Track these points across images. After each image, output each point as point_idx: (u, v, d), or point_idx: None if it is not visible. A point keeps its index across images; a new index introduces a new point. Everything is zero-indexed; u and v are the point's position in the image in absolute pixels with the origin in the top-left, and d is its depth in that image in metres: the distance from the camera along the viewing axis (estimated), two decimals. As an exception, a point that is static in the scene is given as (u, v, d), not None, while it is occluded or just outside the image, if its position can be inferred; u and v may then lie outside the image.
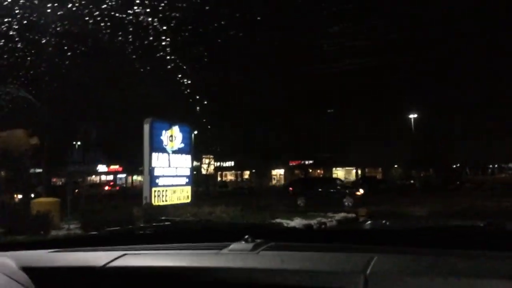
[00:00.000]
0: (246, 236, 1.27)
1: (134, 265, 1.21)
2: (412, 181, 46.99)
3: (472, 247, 1.11)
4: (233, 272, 1.09)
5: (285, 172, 63.41)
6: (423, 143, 47.43)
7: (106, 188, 51.49)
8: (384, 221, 1.55)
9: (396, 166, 58.50)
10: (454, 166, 51.79)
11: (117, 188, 49.71)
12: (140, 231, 1.75)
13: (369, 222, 1.62)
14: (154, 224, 1.88)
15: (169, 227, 1.75)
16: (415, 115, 49.88)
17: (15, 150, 16.85)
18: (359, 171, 62.53)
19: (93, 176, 62.77)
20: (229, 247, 1.23)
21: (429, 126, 49.01)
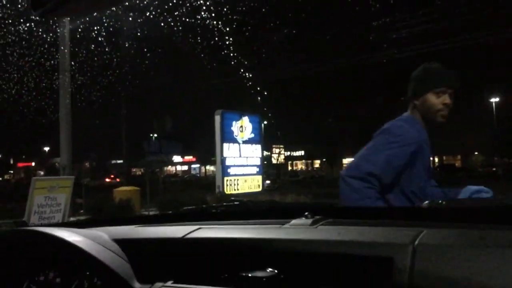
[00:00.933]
0: (306, 213, 1.40)
1: (208, 236, 1.39)
2: (494, 169, 44.33)
3: None
4: (293, 243, 1.22)
5: (356, 161, 62.36)
6: (506, 127, 44.43)
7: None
8: (440, 201, 1.60)
9: (476, 153, 55.48)
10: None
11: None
12: (213, 210, 1.95)
13: (426, 202, 1.65)
14: (224, 203, 2.06)
15: (238, 206, 1.92)
16: (497, 99, 46.82)
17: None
18: (436, 159, 60.07)
19: (169, 166, 65.75)
20: (290, 222, 1.37)
21: (512, 109, 45.80)
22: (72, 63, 11.17)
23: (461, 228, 1.14)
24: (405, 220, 1.31)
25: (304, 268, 1.16)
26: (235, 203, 1.90)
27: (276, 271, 1.14)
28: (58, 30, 10.63)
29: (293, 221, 1.37)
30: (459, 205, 1.53)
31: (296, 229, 1.31)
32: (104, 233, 1.54)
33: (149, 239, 1.48)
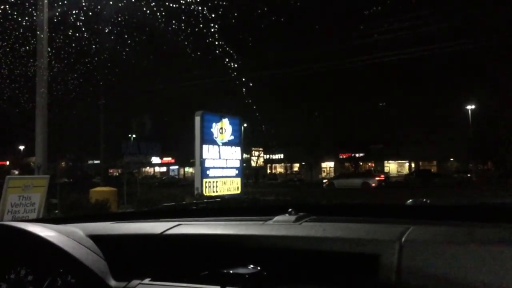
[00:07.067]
0: (290, 210, 1.37)
1: (187, 232, 1.34)
2: (468, 175, 45.19)
3: (508, 221, 1.14)
4: (276, 240, 1.19)
5: (335, 165, 62.81)
6: (481, 135, 45.34)
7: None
8: (424, 199, 1.59)
9: (452, 159, 56.48)
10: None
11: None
12: (193, 206, 1.90)
13: (410, 200, 1.64)
14: (205, 200, 2.02)
15: (220, 203, 1.88)
16: (473, 106, 47.78)
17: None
18: (413, 165, 60.90)
19: (148, 168, 65.06)
20: (273, 219, 1.34)
21: (487, 117, 46.75)
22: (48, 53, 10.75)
23: (448, 225, 1.13)
24: (392, 217, 1.29)
25: (287, 265, 1.12)
26: (217, 199, 1.85)
27: (258, 268, 1.11)
28: (36, 15, 10.25)
29: (276, 218, 1.34)
30: (445, 203, 1.52)
31: (279, 226, 1.28)
32: (79, 229, 1.48)
33: (126, 235, 1.43)
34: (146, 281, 1.22)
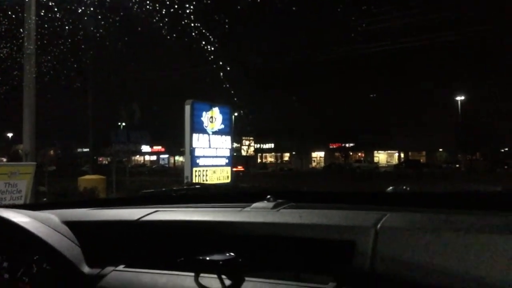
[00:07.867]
0: (268, 196, 1.36)
1: (164, 219, 1.33)
2: (457, 165, 45.64)
3: (487, 208, 1.14)
4: (254, 226, 1.17)
5: (325, 154, 63.05)
6: (469, 125, 45.70)
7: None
8: (404, 187, 1.59)
9: (441, 150, 56.96)
10: (503, 150, 49.76)
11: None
12: (172, 193, 1.89)
13: (390, 187, 1.63)
14: (185, 187, 2.00)
15: (199, 190, 1.86)
16: (462, 97, 48.07)
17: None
18: (402, 155, 61.31)
19: (137, 156, 64.82)
20: (251, 205, 1.33)
21: (476, 108, 47.07)
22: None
23: (426, 212, 1.12)
24: (370, 204, 1.29)
25: (264, 252, 1.11)
26: (196, 186, 1.83)
27: (233, 254, 1.09)
28: None
29: (254, 205, 1.33)
30: (424, 190, 1.53)
31: (257, 212, 1.27)
32: (55, 215, 1.46)
33: (101, 222, 1.41)
34: (120, 267, 1.20)
